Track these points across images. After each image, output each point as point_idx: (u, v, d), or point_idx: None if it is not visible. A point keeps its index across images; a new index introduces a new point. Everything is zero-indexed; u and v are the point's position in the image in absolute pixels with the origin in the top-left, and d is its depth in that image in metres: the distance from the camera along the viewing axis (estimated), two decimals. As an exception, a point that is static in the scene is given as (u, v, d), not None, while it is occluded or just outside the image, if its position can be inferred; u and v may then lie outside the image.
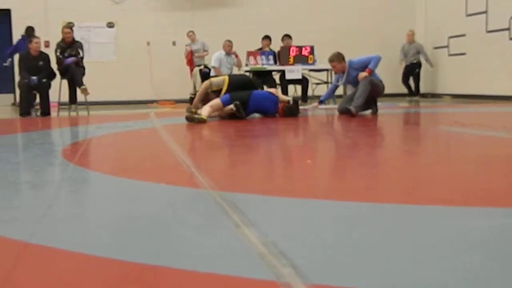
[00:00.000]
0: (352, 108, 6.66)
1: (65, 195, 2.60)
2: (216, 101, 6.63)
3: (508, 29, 10.63)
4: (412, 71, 12.17)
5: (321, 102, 7.67)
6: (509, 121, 6.20)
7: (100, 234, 1.85)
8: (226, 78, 7.08)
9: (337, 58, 7.22)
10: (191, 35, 11.52)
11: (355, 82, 7.11)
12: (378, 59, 6.95)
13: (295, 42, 10.47)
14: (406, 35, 12.16)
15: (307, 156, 3.89)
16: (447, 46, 12.56)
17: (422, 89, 12.90)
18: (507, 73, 10.58)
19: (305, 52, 10.04)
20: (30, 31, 10.28)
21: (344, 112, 6.95)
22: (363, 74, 6.87)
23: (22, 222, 2.02)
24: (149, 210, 2.18)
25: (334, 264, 1.45)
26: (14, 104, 11.59)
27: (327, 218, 1.99)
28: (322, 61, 10.31)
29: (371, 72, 6.88)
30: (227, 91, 6.80)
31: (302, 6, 12.93)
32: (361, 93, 6.73)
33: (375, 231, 1.77)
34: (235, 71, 10.49)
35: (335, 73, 7.48)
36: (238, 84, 6.93)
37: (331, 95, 7.75)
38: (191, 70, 11.28)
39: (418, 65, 12.17)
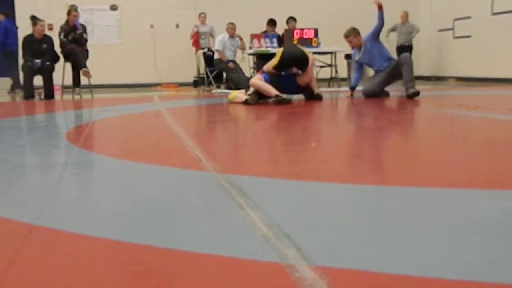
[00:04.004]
0: (414, 90, 6.55)
1: (70, 178, 2.60)
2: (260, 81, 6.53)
3: (514, 11, 10.55)
4: (404, 52, 11.87)
5: (352, 88, 7.37)
6: (514, 104, 6.17)
7: (105, 216, 1.86)
8: (280, 51, 6.74)
9: (352, 32, 7.09)
10: (203, 17, 11.46)
11: (371, 59, 7.00)
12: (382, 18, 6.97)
13: (301, 24, 10.41)
14: (400, 16, 11.95)
15: (313, 139, 3.88)
16: (452, 29, 12.47)
17: (427, 72, 12.83)
18: (513, 55, 10.52)
19: (309, 34, 9.99)
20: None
21: (370, 95, 6.89)
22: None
23: (27, 205, 2.03)
24: (153, 192, 2.18)
25: (338, 246, 1.45)
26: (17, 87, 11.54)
27: (332, 200, 1.99)
28: (326, 44, 10.26)
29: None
30: (279, 64, 6.62)
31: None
32: (408, 72, 6.64)
33: (379, 214, 1.77)
34: (239, 54, 10.44)
35: (352, 48, 7.33)
36: (290, 59, 6.69)
37: (360, 78, 7.38)
38: (197, 51, 11.25)
39: (410, 47, 11.91)
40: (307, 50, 7.18)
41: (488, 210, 1.77)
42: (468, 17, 11.86)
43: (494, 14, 11.10)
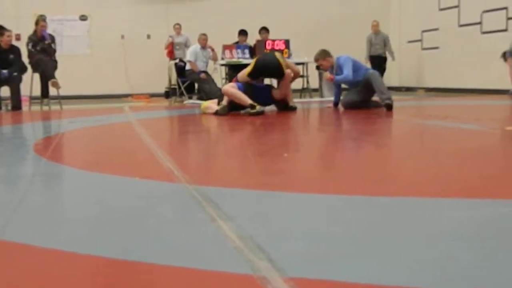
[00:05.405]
0: (389, 101, 6.36)
1: (37, 190, 2.55)
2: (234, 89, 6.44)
3: (479, 23, 10.76)
4: (379, 64, 11.48)
5: (336, 104, 7.15)
6: (481, 114, 6.28)
7: (73, 229, 1.81)
8: (255, 59, 6.75)
9: (320, 55, 7.00)
10: (177, 27, 11.43)
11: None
12: (345, 78, 6.72)
13: (273, 35, 10.44)
14: (372, 26, 11.79)
15: (285, 150, 3.88)
16: (420, 40, 12.67)
17: (396, 83, 12.99)
18: (479, 66, 10.72)
19: (280, 45, 10.02)
20: None
21: (350, 106, 6.77)
22: (328, 76, 6.85)
23: (-8, 218, 1.97)
24: (123, 204, 2.14)
25: (311, 257, 1.44)
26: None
27: (304, 211, 1.98)
28: (298, 55, 10.31)
29: (332, 80, 6.83)
30: (252, 71, 6.60)
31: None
32: (381, 84, 6.57)
33: (353, 224, 1.76)
34: (211, 64, 10.43)
35: (324, 70, 7.25)
36: (264, 66, 6.68)
37: (340, 93, 7.20)
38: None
39: (385, 59, 11.74)
40: (287, 60, 7.19)
41: (462, 218, 1.77)
42: (436, 29, 12.06)
43: (461, 26, 11.32)
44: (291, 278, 1.28)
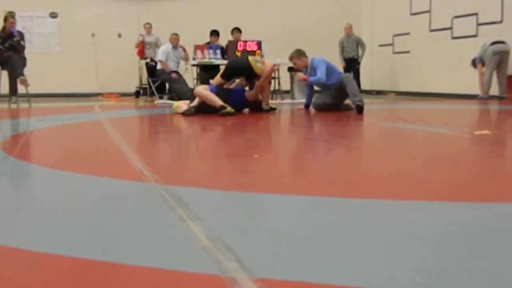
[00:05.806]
0: (361, 103, 6.38)
1: (5, 190, 2.50)
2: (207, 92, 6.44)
3: (450, 28, 10.93)
4: (352, 66, 11.63)
5: (307, 106, 7.17)
6: (451, 118, 6.37)
7: (42, 229, 1.78)
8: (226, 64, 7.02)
9: (295, 54, 7.02)
10: (148, 27, 11.37)
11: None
12: (318, 80, 6.76)
13: (246, 36, 10.43)
14: (344, 29, 11.79)
15: (256, 151, 3.87)
16: (392, 44, 12.81)
17: (367, 86, 13.09)
18: (449, 71, 10.88)
19: (252, 47, 10.01)
20: None
21: (321, 108, 6.81)
22: (301, 76, 6.93)
23: (-45, 217, 1.93)
24: (92, 204, 2.12)
25: (280, 258, 1.44)
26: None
27: (274, 212, 1.98)
28: (270, 56, 10.33)
29: (305, 81, 6.91)
30: (224, 71, 6.79)
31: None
32: (354, 87, 6.60)
33: (321, 225, 1.77)
34: (182, 65, 10.38)
35: (298, 70, 7.26)
36: (234, 68, 6.83)
37: (312, 95, 7.20)
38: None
39: (358, 61, 11.77)
40: (260, 59, 7.23)
41: (428, 221, 1.79)
42: (407, 33, 12.22)
43: (432, 30, 11.48)
44: (260, 279, 1.27)
